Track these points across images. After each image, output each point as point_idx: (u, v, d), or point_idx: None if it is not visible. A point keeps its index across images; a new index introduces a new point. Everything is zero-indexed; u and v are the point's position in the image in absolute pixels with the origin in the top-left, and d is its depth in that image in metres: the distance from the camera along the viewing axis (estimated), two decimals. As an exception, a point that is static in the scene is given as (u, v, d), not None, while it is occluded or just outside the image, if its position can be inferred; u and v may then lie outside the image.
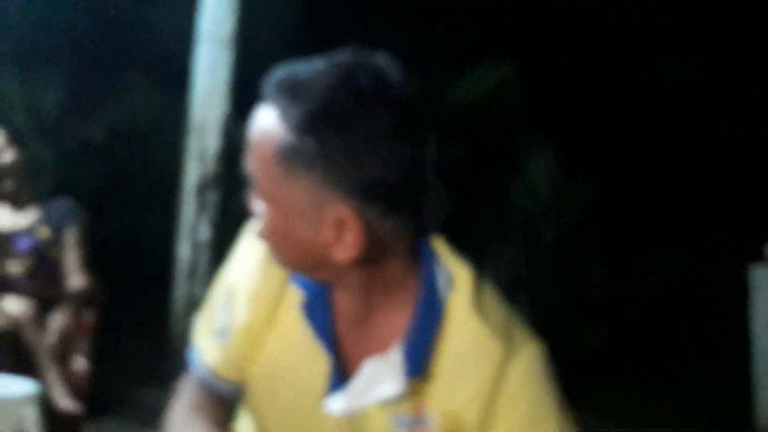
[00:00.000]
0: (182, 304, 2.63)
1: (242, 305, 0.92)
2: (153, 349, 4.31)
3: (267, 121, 0.81)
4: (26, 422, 0.99)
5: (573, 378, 0.89)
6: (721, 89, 5.69)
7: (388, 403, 0.86)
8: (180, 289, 2.61)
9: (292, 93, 0.79)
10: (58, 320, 2.40)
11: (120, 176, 4.86)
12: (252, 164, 0.83)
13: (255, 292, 0.92)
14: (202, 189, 2.58)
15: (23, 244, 2.48)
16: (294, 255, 0.84)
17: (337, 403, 0.88)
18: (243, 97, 2.62)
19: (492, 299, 0.90)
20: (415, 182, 0.81)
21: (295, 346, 0.91)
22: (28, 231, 2.50)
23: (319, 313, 0.89)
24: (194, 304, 2.63)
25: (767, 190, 5.30)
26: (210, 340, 0.96)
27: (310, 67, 0.81)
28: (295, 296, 0.91)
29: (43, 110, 4.72)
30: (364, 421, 0.88)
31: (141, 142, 4.82)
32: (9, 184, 2.41)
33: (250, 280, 0.92)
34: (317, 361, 0.89)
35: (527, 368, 0.86)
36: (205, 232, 2.59)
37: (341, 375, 0.88)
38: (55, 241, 2.51)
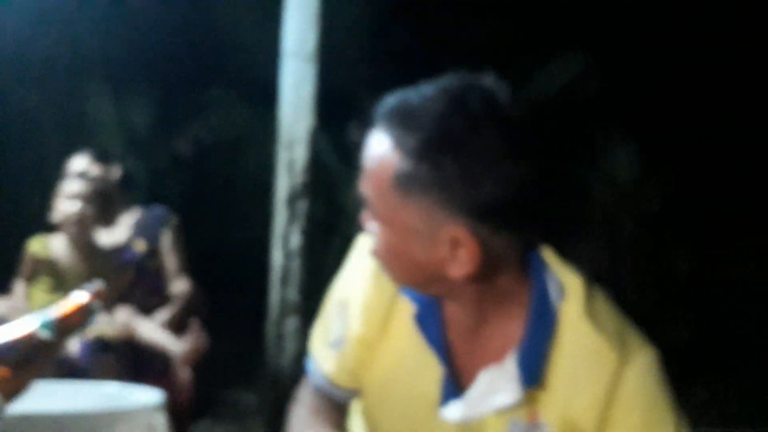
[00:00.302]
0: (276, 309, 2.73)
1: (356, 317, 0.96)
2: (246, 353, 4.47)
3: (381, 148, 0.85)
4: (157, 429, 1.07)
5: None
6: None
7: (504, 411, 0.89)
8: (274, 294, 2.72)
9: (405, 120, 0.83)
10: (161, 320, 2.50)
11: (211, 188, 5.05)
12: (367, 189, 0.88)
13: (367, 303, 0.95)
14: (292, 199, 2.68)
15: (123, 258, 2.58)
16: (409, 273, 0.88)
17: (454, 412, 0.91)
18: (326, 110, 2.71)
19: (605, 306, 0.91)
20: (527, 198, 0.84)
21: (408, 356, 0.94)
22: (126, 246, 2.60)
23: (432, 324, 0.91)
24: (287, 308, 2.73)
25: None
26: (326, 351, 1.00)
27: (420, 94, 0.85)
28: (406, 307, 0.94)
29: (135, 127, 4.95)
30: (479, 429, 0.91)
31: (230, 155, 4.99)
32: (100, 203, 2.51)
33: (363, 293, 0.96)
34: (430, 370, 0.92)
35: (642, 374, 0.87)
36: (295, 240, 2.69)
37: (455, 384, 0.91)
38: (152, 252, 2.61)
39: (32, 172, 4.45)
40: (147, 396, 1.12)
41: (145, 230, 2.64)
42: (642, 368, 0.87)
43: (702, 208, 5.25)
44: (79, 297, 0.67)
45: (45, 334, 0.65)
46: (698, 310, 5.05)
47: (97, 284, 0.68)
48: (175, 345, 2.38)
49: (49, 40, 4.46)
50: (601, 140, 4.90)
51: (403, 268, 0.88)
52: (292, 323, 2.73)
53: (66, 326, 0.66)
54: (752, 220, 5.39)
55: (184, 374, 2.50)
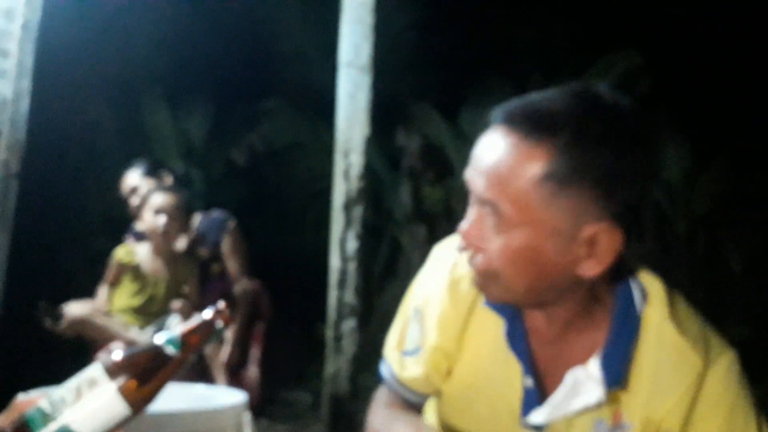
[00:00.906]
0: (334, 311, 2.79)
1: (432, 327, 0.97)
2: (303, 355, 4.54)
3: (517, 149, 0.83)
4: (244, 427, 1.12)
5: None
6: None
7: (589, 412, 0.91)
8: (332, 297, 2.77)
9: (546, 120, 0.82)
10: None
11: (263, 195, 5.14)
12: (493, 192, 0.84)
13: (444, 315, 0.96)
14: (348, 205, 2.73)
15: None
16: (532, 278, 0.85)
17: (538, 416, 0.93)
18: (376, 118, 2.75)
19: (686, 309, 0.93)
20: (646, 195, 0.87)
21: (489, 366, 0.95)
22: (189, 254, 2.70)
23: (517, 336, 0.93)
24: (344, 311, 2.78)
25: None
26: (402, 357, 1.02)
27: (545, 98, 0.85)
28: (484, 319, 0.95)
29: (193, 138, 5.08)
30: (565, 428, 0.93)
31: (287, 163, 5.07)
32: (183, 215, 2.62)
33: (440, 303, 0.97)
34: (512, 379, 0.93)
35: (725, 376, 0.89)
36: (352, 244, 2.74)
37: (538, 392, 0.93)
38: (215, 257, 2.70)
39: (94, 182, 4.60)
40: (233, 396, 1.18)
41: (206, 236, 2.73)
42: (725, 370, 0.89)
43: (754, 207, 5.13)
44: (204, 314, 0.72)
45: (171, 350, 0.70)
46: (751, 310, 4.93)
47: (220, 303, 0.73)
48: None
49: (108, 53, 4.60)
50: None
51: (527, 273, 0.85)
52: (349, 325, 2.78)
53: (190, 342, 0.70)
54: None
55: (253, 375, 2.57)
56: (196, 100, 5.00)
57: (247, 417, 1.13)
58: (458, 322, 0.96)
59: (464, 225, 0.88)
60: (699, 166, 5.00)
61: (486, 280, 0.88)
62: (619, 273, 0.90)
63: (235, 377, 2.49)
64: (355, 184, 2.73)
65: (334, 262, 2.75)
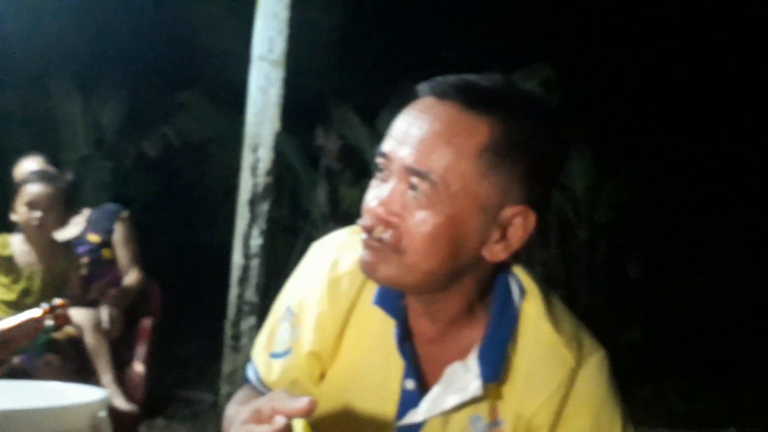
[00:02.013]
0: (234, 309, 2.69)
1: (308, 330, 0.90)
2: (207, 353, 4.40)
3: (458, 118, 0.79)
4: (101, 424, 1.03)
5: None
6: (757, 80, 5.53)
7: (466, 408, 0.87)
8: (232, 294, 2.68)
9: (490, 94, 0.80)
10: (108, 311, 2.44)
11: (176, 189, 4.98)
12: (426, 161, 0.79)
13: (322, 316, 0.90)
14: (254, 200, 2.65)
15: (80, 249, 2.57)
16: (442, 256, 0.80)
17: (416, 415, 0.88)
18: (293, 115, 2.69)
19: (560, 306, 0.91)
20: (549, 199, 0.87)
21: (366, 368, 0.90)
22: (79, 238, 2.58)
23: (399, 335, 0.88)
24: (245, 309, 2.69)
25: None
26: (269, 359, 0.94)
27: (479, 77, 0.83)
28: (364, 320, 0.90)
29: (104, 128, 4.86)
30: (442, 425, 0.88)
31: (197, 157, 4.93)
32: (59, 207, 2.48)
33: (317, 305, 0.90)
34: (389, 381, 0.89)
35: (595, 374, 0.88)
36: (256, 241, 2.65)
37: (421, 394, 0.88)
38: (106, 243, 2.58)
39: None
40: (89, 393, 1.08)
41: (98, 224, 2.63)
42: (595, 368, 0.88)
43: (652, 217, 5.34)
44: (32, 312, 0.63)
45: None
46: (645, 315, 5.13)
47: (55, 301, 0.64)
48: (83, 317, 2.32)
49: (18, 39, 4.35)
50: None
51: (440, 251, 0.80)
52: (248, 323, 2.69)
53: (10, 340, 0.61)
54: (699, 229, 5.50)
55: (137, 373, 2.45)
56: (110, 90, 4.79)
57: (103, 416, 1.03)
58: (336, 324, 0.89)
59: (377, 199, 0.81)
60: (602, 177, 5.16)
61: (383, 259, 0.81)
62: (501, 266, 0.87)
63: (121, 375, 2.36)
64: (262, 179, 2.65)
65: (237, 258, 2.66)
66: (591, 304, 4.96)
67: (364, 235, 0.83)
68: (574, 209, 5.15)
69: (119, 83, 4.82)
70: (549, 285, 0.95)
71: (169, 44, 4.73)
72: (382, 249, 0.81)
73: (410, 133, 0.80)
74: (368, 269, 0.84)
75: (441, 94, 0.81)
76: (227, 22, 4.75)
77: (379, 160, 0.83)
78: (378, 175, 0.84)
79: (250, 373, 0.98)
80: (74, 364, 2.22)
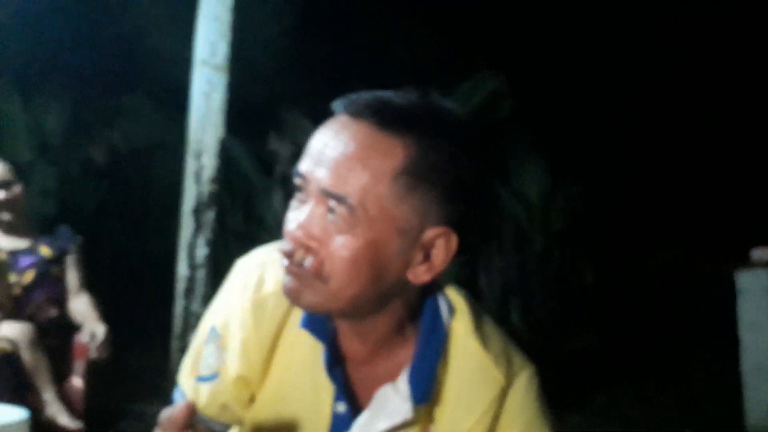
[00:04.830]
0: (180, 321, 2.56)
1: (234, 355, 0.87)
2: (155, 366, 4.25)
3: (373, 140, 0.76)
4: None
5: (565, 380, 0.86)
6: (709, 91, 5.65)
7: (397, 429, 0.85)
8: (178, 306, 2.55)
9: (405, 115, 0.77)
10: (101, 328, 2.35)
11: (122, 197, 4.81)
12: (342, 185, 0.76)
13: (247, 341, 0.86)
14: (199, 209, 2.53)
15: (24, 261, 2.47)
16: (365, 281, 0.78)
17: None
18: (235, 119, 2.58)
19: (489, 324, 0.90)
20: (484, 208, 0.85)
21: (295, 392, 0.87)
22: (29, 250, 2.49)
23: (333, 361, 0.85)
24: (192, 321, 2.57)
25: (754, 194, 5.24)
26: (196, 384, 0.91)
27: (394, 95, 0.80)
28: (292, 342, 0.86)
29: (47, 133, 4.67)
30: None
31: (143, 163, 4.78)
32: (9, 215, 2.39)
33: (242, 329, 0.86)
34: (320, 404, 0.86)
35: (525, 390, 0.87)
36: (201, 251, 2.53)
37: (352, 417, 0.86)
38: (58, 260, 2.49)
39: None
40: (10, 414, 0.98)
41: (53, 242, 2.52)
42: (525, 385, 0.87)
43: (605, 224, 5.40)
44: None
45: None
46: (601, 320, 5.16)
47: None
48: (18, 331, 2.22)
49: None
50: (512, 157, 4.97)
51: (363, 276, 0.77)
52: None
53: None
54: (649, 237, 5.57)
55: (76, 389, 2.33)
56: (52, 93, 4.60)
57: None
58: (263, 348, 0.86)
59: (296, 223, 0.78)
60: (555, 184, 5.19)
61: (307, 286, 0.79)
62: (430, 286, 0.84)
63: (59, 391, 2.24)
64: (206, 187, 2.53)
65: (182, 269, 2.54)
66: (546, 310, 4.97)
67: (285, 261, 0.80)
68: (529, 217, 5.16)
69: (62, 87, 4.64)
70: (506, 292, 0.91)
71: (113, 46, 4.59)
72: (304, 276, 0.79)
73: (326, 153, 0.77)
74: (291, 297, 0.81)
75: (355, 113, 0.78)
76: (171, 23, 4.61)
77: (297, 181, 0.80)
78: (297, 195, 0.81)
79: (178, 398, 0.94)
80: (10, 381, 2.10)
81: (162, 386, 4.01)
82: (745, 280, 3.65)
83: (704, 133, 5.62)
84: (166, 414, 0.73)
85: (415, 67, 5.06)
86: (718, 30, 5.51)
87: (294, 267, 0.78)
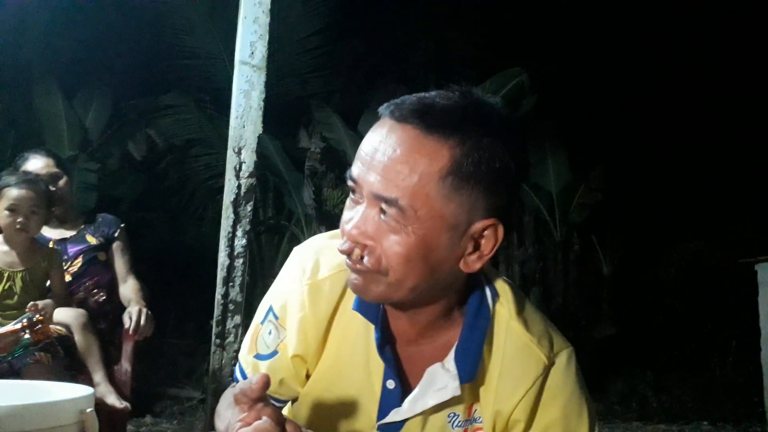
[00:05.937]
0: (219, 308, 2.68)
1: (292, 334, 0.92)
2: (195, 351, 4.38)
3: (421, 143, 0.79)
4: (87, 421, 1.03)
5: (584, 369, 0.95)
6: (733, 83, 5.61)
7: (444, 406, 0.90)
8: (217, 294, 2.67)
9: (449, 117, 0.80)
10: (145, 310, 2.41)
11: (160, 190, 4.94)
12: (393, 188, 0.79)
13: (304, 321, 0.91)
14: (238, 201, 2.64)
15: (72, 249, 2.53)
16: (422, 274, 0.82)
17: (398, 414, 0.90)
18: (267, 116, 2.69)
19: (531, 307, 0.94)
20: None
21: (348, 370, 0.92)
22: (76, 238, 2.55)
23: (384, 341, 0.90)
24: (229, 307, 2.68)
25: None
26: (255, 361, 0.96)
27: (437, 96, 0.82)
28: (346, 323, 0.91)
29: (89, 129, 4.81)
30: (421, 423, 0.91)
31: (187, 158, 4.90)
32: (58, 207, 2.48)
33: (300, 310, 0.91)
34: (371, 382, 0.91)
35: (565, 369, 0.91)
36: (240, 241, 2.64)
37: (402, 393, 0.90)
38: (103, 247, 2.57)
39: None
40: (75, 390, 1.08)
41: (97, 227, 2.60)
42: (564, 364, 0.91)
43: (622, 217, 5.41)
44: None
45: None
46: (617, 310, 5.18)
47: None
48: (71, 316, 2.31)
49: (1, 41, 4.30)
50: (533, 150, 5.00)
51: (419, 270, 0.82)
52: (234, 322, 2.68)
53: None
54: (671, 229, 5.57)
55: (124, 371, 2.44)
56: (94, 91, 4.74)
57: (90, 412, 1.03)
58: (320, 328, 0.91)
59: (351, 223, 0.83)
60: (576, 178, 5.22)
61: (370, 280, 0.83)
62: (476, 273, 0.88)
63: (109, 373, 2.34)
64: (245, 181, 2.63)
65: (222, 258, 2.64)
66: (566, 300, 5.01)
67: (347, 261, 0.85)
68: (549, 210, 5.20)
69: (104, 85, 4.77)
70: (526, 283, 0.97)
71: (153, 46, 4.71)
72: (366, 272, 0.83)
73: (376, 158, 0.81)
74: (359, 291, 0.86)
75: (400, 118, 0.81)
76: (211, 25, 4.73)
77: (350, 184, 0.84)
78: (351, 196, 0.85)
79: (238, 374, 0.99)
80: (64, 362, 2.20)
81: (198, 370, 4.14)
82: (766, 273, 3.67)
83: (727, 126, 5.59)
84: (242, 386, 0.75)
85: (442, 65, 5.13)
86: (744, 20, 5.47)
87: (357, 264, 0.83)
